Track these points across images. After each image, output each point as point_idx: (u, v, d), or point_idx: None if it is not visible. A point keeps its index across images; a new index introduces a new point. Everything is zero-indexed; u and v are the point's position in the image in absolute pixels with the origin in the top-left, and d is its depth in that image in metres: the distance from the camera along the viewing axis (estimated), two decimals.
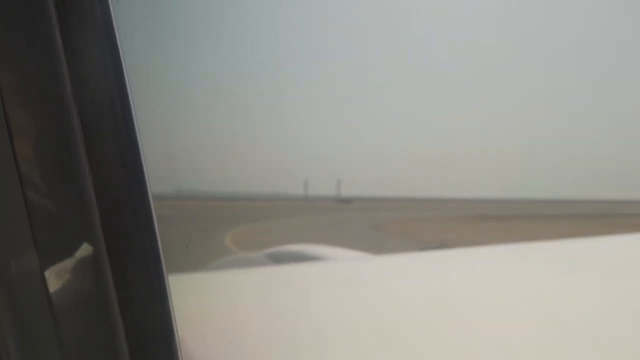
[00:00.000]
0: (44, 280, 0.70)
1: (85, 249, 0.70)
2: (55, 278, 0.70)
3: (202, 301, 2.44)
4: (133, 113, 0.69)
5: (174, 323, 0.73)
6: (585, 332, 1.93)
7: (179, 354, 0.73)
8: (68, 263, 0.71)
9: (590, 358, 1.67)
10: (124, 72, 0.68)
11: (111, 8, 0.67)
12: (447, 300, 2.48)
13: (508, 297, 2.55)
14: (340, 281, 3.09)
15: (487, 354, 1.69)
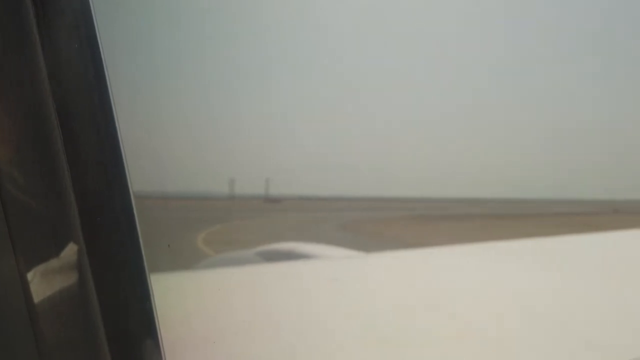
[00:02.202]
0: (23, 281, 0.69)
1: (66, 250, 0.69)
2: (35, 279, 0.69)
3: (189, 300, 2.43)
4: (114, 110, 0.67)
5: (156, 323, 0.72)
6: (564, 328, 1.96)
7: (162, 354, 0.72)
8: (48, 264, 0.69)
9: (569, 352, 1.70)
10: (104, 69, 0.67)
11: (91, 3, 0.66)
12: (439, 297, 2.50)
13: (496, 294, 2.57)
14: (333, 279, 3.09)
15: (479, 352, 1.70)
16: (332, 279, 3.23)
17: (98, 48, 0.66)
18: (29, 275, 0.68)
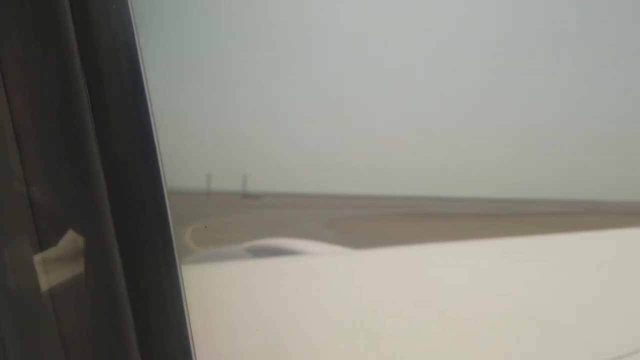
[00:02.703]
0: (46, 269, 0.69)
1: (92, 239, 0.69)
2: (59, 268, 0.70)
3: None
4: (149, 106, 0.69)
5: (186, 314, 0.73)
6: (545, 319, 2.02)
7: (192, 346, 0.74)
8: (73, 253, 0.70)
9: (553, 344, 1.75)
10: (140, 62, 0.68)
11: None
12: (428, 294, 2.54)
13: (483, 291, 2.63)
14: (321, 275, 3.12)
15: (467, 348, 1.74)
16: (320, 275, 3.26)
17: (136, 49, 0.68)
18: (54, 264, 0.69)
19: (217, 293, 2.54)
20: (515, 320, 2.09)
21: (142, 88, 0.68)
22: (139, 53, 0.67)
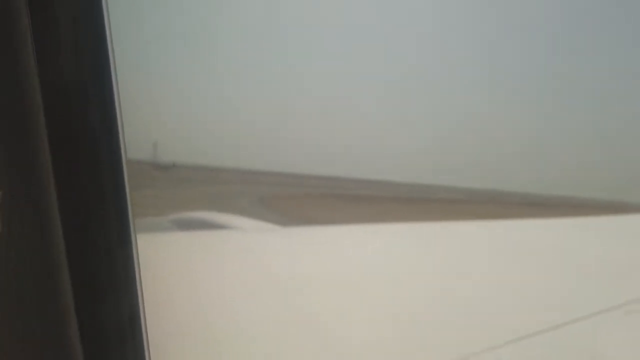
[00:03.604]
0: None
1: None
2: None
3: None
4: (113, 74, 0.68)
5: (138, 280, 0.73)
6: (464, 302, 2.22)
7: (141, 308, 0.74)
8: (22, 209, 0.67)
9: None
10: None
11: None
12: (348, 272, 2.66)
13: (401, 272, 2.79)
14: (246, 250, 3.14)
15: (388, 325, 1.85)
16: (247, 250, 3.28)
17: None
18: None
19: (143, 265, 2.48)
20: (429, 300, 2.26)
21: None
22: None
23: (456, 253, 3.49)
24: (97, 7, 0.66)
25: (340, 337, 1.73)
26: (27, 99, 0.62)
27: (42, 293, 0.67)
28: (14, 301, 0.65)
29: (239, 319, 1.89)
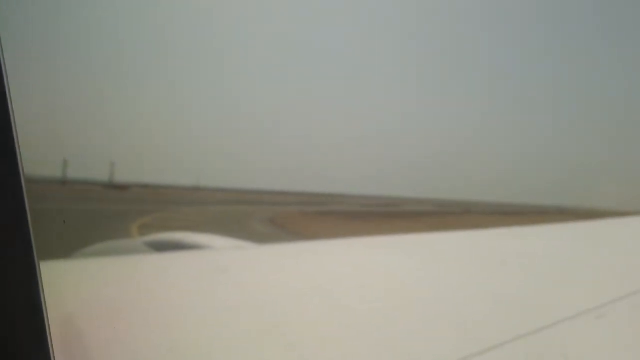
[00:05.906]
0: None
1: None
2: None
3: (69, 290, 2.28)
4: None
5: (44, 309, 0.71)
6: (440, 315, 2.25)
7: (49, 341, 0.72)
8: None
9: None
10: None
11: None
12: (328, 290, 2.66)
13: (383, 288, 2.81)
14: (223, 270, 3.11)
15: (364, 343, 1.85)
16: (222, 270, 3.25)
17: None
18: None
19: (112, 288, 2.43)
20: (406, 311, 2.27)
21: None
22: None
23: (433, 263, 3.53)
24: None
25: (316, 355, 1.73)
26: None
27: None
28: None
29: (214, 338, 1.87)
